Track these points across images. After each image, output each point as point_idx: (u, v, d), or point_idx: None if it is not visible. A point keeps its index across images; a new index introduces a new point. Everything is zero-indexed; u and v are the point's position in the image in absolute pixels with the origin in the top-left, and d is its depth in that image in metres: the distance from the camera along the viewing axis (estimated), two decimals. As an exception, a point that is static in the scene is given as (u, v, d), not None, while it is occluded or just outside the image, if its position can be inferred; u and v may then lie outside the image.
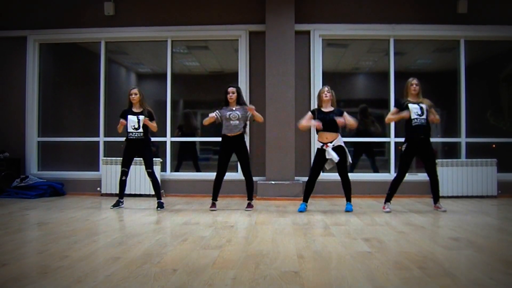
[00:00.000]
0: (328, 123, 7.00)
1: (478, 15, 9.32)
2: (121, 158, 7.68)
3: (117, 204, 7.57)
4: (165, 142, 9.80)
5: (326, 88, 7.18)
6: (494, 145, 9.73)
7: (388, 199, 7.20)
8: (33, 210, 7.34)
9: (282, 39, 9.17)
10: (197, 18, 9.59)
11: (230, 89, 7.37)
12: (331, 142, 6.99)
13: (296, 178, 9.13)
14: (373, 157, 10.01)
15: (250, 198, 7.61)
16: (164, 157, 9.72)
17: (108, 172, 9.31)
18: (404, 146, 7.06)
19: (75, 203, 8.15)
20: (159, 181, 7.86)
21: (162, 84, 9.96)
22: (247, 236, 5.19)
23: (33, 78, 9.90)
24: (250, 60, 9.56)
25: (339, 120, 6.93)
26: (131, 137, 7.46)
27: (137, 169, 9.03)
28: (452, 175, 8.98)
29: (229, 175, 9.55)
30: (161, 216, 6.76)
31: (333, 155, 6.92)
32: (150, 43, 10.28)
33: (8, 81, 9.96)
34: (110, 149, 9.89)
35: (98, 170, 9.71)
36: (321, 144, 7.05)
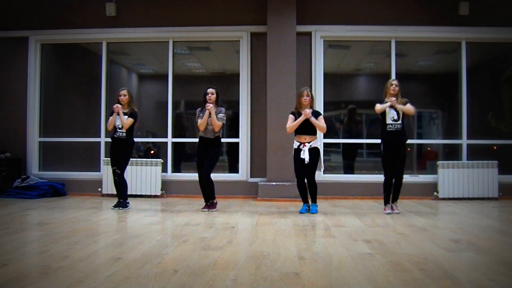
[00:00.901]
0: (307, 126, 7.11)
1: (480, 17, 9.31)
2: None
3: (118, 205, 7.54)
4: (166, 143, 9.80)
5: (305, 92, 7.18)
6: (495, 147, 9.73)
7: (386, 201, 7.20)
8: (34, 210, 7.35)
9: (283, 40, 9.17)
10: (198, 19, 9.59)
11: (210, 90, 7.34)
12: (308, 143, 7.10)
13: (297, 179, 9.12)
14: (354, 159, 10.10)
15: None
16: (165, 158, 9.72)
17: (109, 172, 9.28)
18: (382, 147, 7.14)
19: (76, 204, 8.16)
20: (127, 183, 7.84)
21: (163, 85, 9.96)
22: (248, 237, 5.20)
23: (35, 78, 9.91)
24: (251, 61, 9.56)
25: (313, 120, 7.06)
26: (115, 136, 7.56)
27: (138, 170, 9.05)
28: (453, 177, 8.96)
29: (230, 176, 9.61)
30: (162, 216, 6.76)
31: (305, 156, 7.03)
32: (152, 44, 10.29)
33: (10, 82, 9.97)
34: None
35: (99, 170, 9.71)
36: (298, 143, 7.17)
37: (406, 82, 9.95)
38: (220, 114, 7.27)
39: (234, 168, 9.81)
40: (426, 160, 10.37)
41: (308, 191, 7.31)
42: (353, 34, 9.52)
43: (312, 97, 7.26)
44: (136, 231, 5.50)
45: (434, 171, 9.33)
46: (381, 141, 7.14)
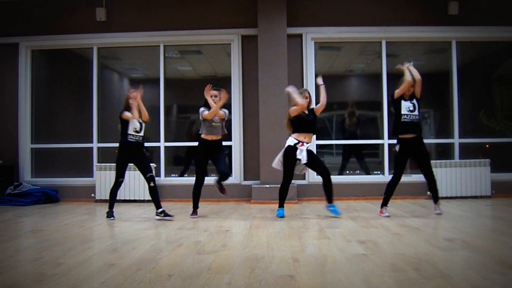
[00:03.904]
0: (309, 124, 6.91)
1: (469, 16, 9.38)
2: (115, 165, 7.17)
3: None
4: (159, 147, 9.78)
5: (306, 94, 6.99)
6: (487, 146, 9.77)
7: (384, 203, 6.98)
8: (27, 217, 7.32)
9: (274, 43, 9.18)
10: (189, 23, 9.59)
11: (213, 92, 7.10)
12: (307, 143, 6.86)
13: (290, 181, 9.12)
14: (362, 158, 10.04)
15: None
16: (158, 162, 9.70)
17: (102, 178, 9.28)
18: (397, 147, 6.86)
19: (69, 210, 8.13)
20: None
21: (155, 89, 9.93)
22: (242, 241, 5.19)
23: (26, 84, 9.88)
24: (242, 64, 9.57)
25: (323, 89, 6.99)
26: (131, 140, 6.88)
27: (130, 174, 9.03)
28: (446, 176, 9.00)
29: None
30: (156, 221, 6.73)
31: (303, 156, 6.74)
32: (143, 48, 10.26)
33: (0, 88, 9.94)
34: (104, 155, 9.86)
35: (92, 176, 9.68)
36: (296, 141, 6.82)
37: (397, 82, 10.00)
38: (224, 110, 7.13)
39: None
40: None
41: (325, 192, 6.94)
42: (343, 35, 9.55)
43: (310, 98, 7.10)
44: (130, 237, 5.48)
45: (427, 170, 9.37)
46: (397, 139, 6.86)
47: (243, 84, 9.52)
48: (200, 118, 7.07)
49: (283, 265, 3.91)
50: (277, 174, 8.78)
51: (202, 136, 7.10)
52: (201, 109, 7.07)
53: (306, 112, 6.96)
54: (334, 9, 9.51)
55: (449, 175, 9.02)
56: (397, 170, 6.87)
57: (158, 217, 6.79)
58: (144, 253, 4.49)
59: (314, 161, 6.92)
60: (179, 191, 9.30)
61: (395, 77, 9.23)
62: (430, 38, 9.66)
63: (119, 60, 11.04)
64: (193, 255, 4.38)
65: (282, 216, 6.92)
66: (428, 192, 8.83)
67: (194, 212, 7.17)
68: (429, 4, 9.48)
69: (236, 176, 9.41)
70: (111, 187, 7.06)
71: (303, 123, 6.87)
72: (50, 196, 9.25)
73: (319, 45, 9.87)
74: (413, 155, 6.87)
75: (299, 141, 6.81)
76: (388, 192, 6.97)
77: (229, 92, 9.48)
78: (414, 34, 9.51)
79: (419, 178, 9.25)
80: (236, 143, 9.46)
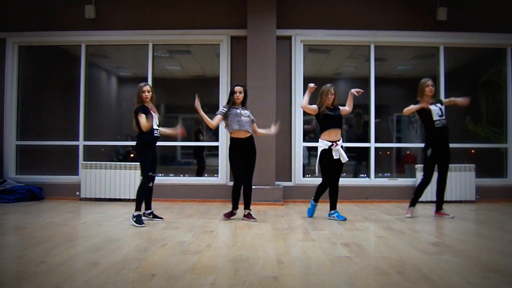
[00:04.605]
0: (337, 119, 6.73)
1: (457, 22, 9.45)
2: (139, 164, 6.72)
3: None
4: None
5: (332, 90, 6.72)
6: (473, 151, 9.84)
7: (412, 204, 7.18)
8: (11, 215, 7.24)
9: (263, 44, 9.18)
10: (178, 22, 9.56)
11: (238, 88, 6.83)
12: (339, 141, 6.67)
13: (276, 183, 9.12)
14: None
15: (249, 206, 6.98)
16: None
17: (88, 176, 9.20)
18: (429, 151, 6.93)
19: (53, 208, 8.06)
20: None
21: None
22: (227, 241, 5.19)
23: (12, 81, 9.77)
24: (231, 64, 9.55)
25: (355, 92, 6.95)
26: (156, 135, 6.56)
27: (116, 173, 8.98)
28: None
29: (209, 180, 9.58)
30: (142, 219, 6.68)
31: (343, 155, 6.60)
32: (131, 46, 10.21)
33: (-14, 84, 9.83)
34: (90, 153, 9.79)
35: (77, 174, 9.60)
36: (330, 143, 6.61)
37: (385, 86, 10.04)
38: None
39: (201, 172, 9.83)
40: (405, 164, 10.47)
41: (331, 197, 6.83)
42: (333, 38, 9.57)
43: (335, 95, 6.81)
44: (114, 236, 5.45)
45: (412, 174, 9.43)
46: (429, 143, 6.95)
47: (231, 85, 9.47)
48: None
49: (268, 267, 3.90)
50: (263, 176, 8.82)
51: (232, 135, 6.80)
52: (222, 107, 6.88)
53: (332, 107, 6.78)
54: (324, 12, 9.53)
55: (434, 179, 9.03)
56: (428, 174, 7.00)
57: (145, 218, 6.71)
58: (128, 252, 4.47)
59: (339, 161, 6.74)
60: (164, 190, 9.23)
61: (383, 81, 9.31)
62: (418, 43, 9.72)
63: (107, 58, 10.99)
64: (177, 255, 4.37)
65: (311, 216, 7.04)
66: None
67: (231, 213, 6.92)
68: (418, 9, 9.54)
69: (222, 177, 9.38)
70: (139, 186, 6.52)
71: (332, 119, 6.68)
72: (35, 194, 9.16)
73: (308, 47, 9.90)
74: (441, 159, 7.01)
75: (332, 143, 6.62)
76: (417, 194, 7.13)
77: (217, 92, 9.49)
78: (402, 38, 9.57)
79: (404, 182, 9.37)
80: (223, 144, 9.43)
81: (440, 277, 3.60)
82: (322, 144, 6.69)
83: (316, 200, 7.03)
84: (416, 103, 7.00)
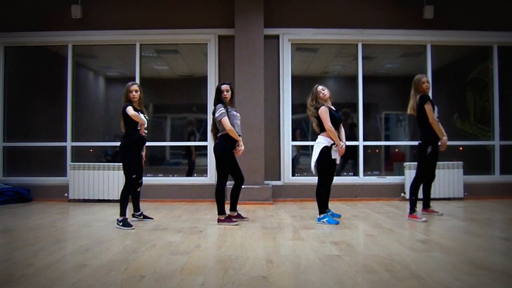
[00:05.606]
0: (339, 121, 6.56)
1: (444, 20, 9.51)
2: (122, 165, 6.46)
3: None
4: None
5: (319, 88, 6.57)
6: (461, 148, 9.90)
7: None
8: (-2, 217, 7.19)
9: (251, 43, 9.17)
10: (166, 22, 9.53)
11: (225, 87, 6.62)
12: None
13: (265, 182, 9.12)
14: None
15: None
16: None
17: (76, 177, 9.14)
18: (430, 148, 6.87)
19: (41, 210, 8.00)
20: None
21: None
22: (216, 241, 5.18)
23: (-2, 82, 9.71)
24: (219, 64, 9.53)
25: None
26: (145, 135, 6.48)
27: (104, 174, 8.94)
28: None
29: (198, 180, 9.55)
30: (130, 221, 6.65)
31: (337, 157, 6.40)
32: (119, 46, 10.14)
33: (-28, 85, 9.74)
34: (78, 155, 9.73)
35: (65, 175, 9.54)
36: (332, 141, 6.34)
37: (373, 85, 10.07)
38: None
39: (203, 171, 9.77)
40: (394, 162, 10.51)
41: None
42: (320, 37, 9.58)
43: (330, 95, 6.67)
44: (103, 237, 5.42)
45: (401, 172, 9.46)
46: (429, 140, 6.90)
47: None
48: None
49: (257, 266, 3.90)
50: (252, 175, 8.81)
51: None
52: (220, 106, 6.62)
53: (334, 109, 6.61)
54: (311, 11, 9.54)
55: (422, 177, 9.11)
56: (425, 171, 6.89)
57: (135, 219, 6.69)
58: (117, 253, 4.45)
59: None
60: (152, 191, 9.20)
61: (371, 80, 9.34)
62: (405, 41, 9.76)
63: (95, 58, 10.91)
64: (166, 255, 4.36)
65: (337, 223, 6.32)
66: (402, 194, 8.98)
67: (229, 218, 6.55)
68: (405, 8, 9.58)
69: (211, 177, 9.36)
70: (122, 189, 6.33)
71: (336, 120, 6.47)
72: (22, 196, 9.10)
73: (296, 46, 9.90)
74: (435, 156, 7.04)
75: (334, 142, 6.35)
76: (416, 194, 6.81)
77: (205, 92, 9.47)
78: (390, 37, 9.60)
79: (392, 180, 9.41)
80: (212, 143, 9.39)
81: (429, 274, 3.62)
82: (324, 141, 6.36)
83: (326, 208, 6.55)
84: (423, 101, 6.81)
